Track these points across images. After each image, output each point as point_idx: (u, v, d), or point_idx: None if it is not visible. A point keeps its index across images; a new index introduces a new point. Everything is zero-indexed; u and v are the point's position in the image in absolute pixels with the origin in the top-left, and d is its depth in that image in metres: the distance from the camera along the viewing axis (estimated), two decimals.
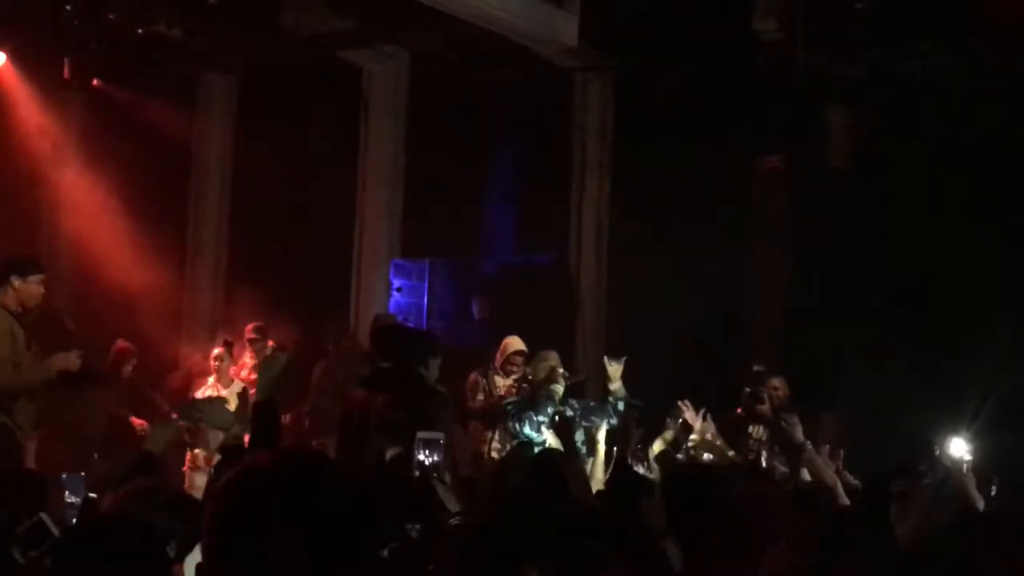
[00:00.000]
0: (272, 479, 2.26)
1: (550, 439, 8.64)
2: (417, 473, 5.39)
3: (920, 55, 11.54)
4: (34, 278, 8.16)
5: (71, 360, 7.96)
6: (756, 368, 10.39)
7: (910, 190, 12.02)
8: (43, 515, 4.39)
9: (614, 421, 8.80)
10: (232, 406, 10.68)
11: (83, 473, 4.77)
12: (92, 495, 4.69)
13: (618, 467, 6.90)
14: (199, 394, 10.73)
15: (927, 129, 11.81)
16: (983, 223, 11.60)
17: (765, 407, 9.59)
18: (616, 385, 9.05)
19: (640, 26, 11.96)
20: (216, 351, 10.94)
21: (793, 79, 11.68)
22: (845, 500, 7.33)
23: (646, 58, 12.31)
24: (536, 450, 8.12)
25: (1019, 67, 11.29)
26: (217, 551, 2.24)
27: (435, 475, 5.43)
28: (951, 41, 11.31)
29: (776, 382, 10.15)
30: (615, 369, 9.11)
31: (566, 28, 11.93)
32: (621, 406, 8.93)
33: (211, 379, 10.83)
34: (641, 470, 7.89)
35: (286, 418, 10.88)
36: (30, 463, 8.37)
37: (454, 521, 5.26)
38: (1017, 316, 11.08)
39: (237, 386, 10.88)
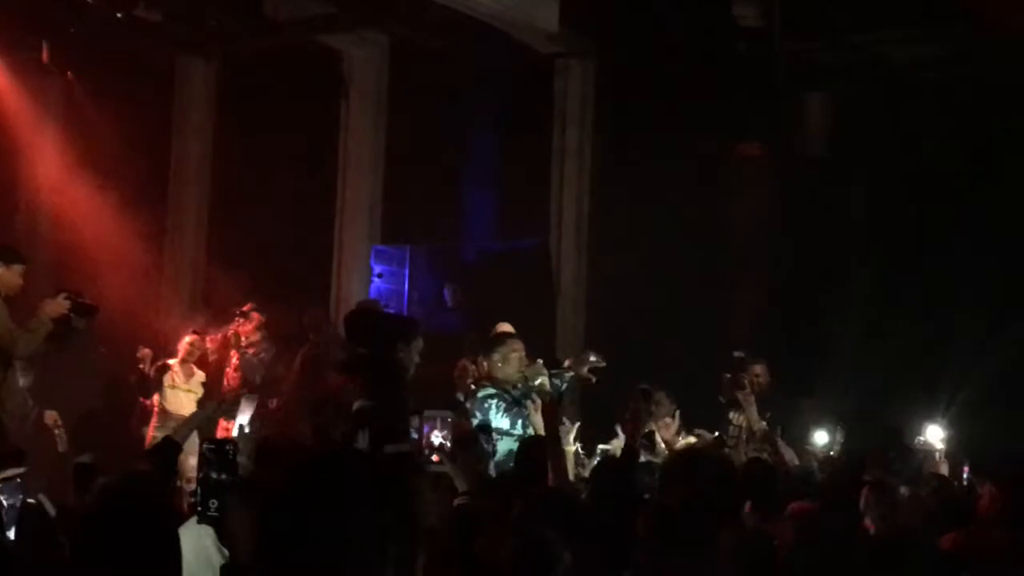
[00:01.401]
0: None
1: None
2: (427, 452, 5.38)
3: (900, 42, 11.56)
4: (17, 268, 8.32)
5: (60, 303, 8.11)
6: (737, 354, 10.41)
7: (889, 177, 12.05)
8: (42, 495, 4.43)
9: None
10: (193, 399, 10.75)
11: (19, 480, 4.73)
12: (31, 500, 4.66)
13: (626, 455, 6.81)
14: (166, 381, 10.81)
15: (907, 116, 11.83)
16: (963, 210, 11.63)
17: (746, 392, 9.62)
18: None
19: (621, 12, 11.96)
20: (185, 343, 10.98)
21: (772, 66, 11.70)
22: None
23: (626, 44, 12.30)
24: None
25: (1000, 54, 11.31)
26: None
27: (445, 453, 5.42)
28: (931, 28, 11.32)
29: (758, 368, 10.18)
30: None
31: (546, 14, 11.91)
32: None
33: (174, 361, 10.88)
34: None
35: (272, 403, 10.92)
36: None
37: (459, 500, 5.21)
38: (994, 304, 11.13)
39: (200, 376, 10.96)
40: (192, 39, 13.43)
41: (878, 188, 12.25)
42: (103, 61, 13.07)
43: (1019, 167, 11.35)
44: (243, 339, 11.54)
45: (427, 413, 5.53)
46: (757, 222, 12.66)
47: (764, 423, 9.39)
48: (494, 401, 8.48)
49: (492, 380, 8.28)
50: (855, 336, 11.88)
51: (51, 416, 9.72)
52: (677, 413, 9.10)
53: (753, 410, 9.45)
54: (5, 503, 4.56)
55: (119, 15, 11.98)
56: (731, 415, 9.87)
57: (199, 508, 3.76)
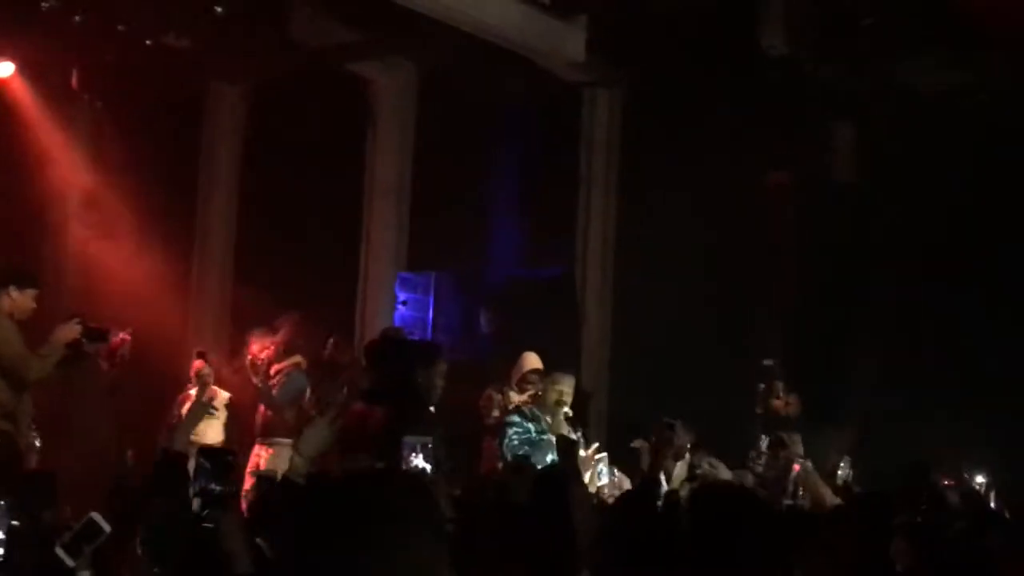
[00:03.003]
0: None
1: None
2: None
3: (926, 70, 11.51)
4: (30, 292, 8.32)
5: (72, 328, 8.12)
6: (767, 363, 10.39)
7: (916, 204, 11.98)
8: (94, 514, 4.40)
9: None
10: (221, 419, 10.69)
11: (2, 503, 4.69)
12: (15, 523, 4.62)
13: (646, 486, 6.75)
14: (184, 409, 10.71)
15: (933, 143, 11.77)
16: (989, 236, 11.57)
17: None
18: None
19: (648, 41, 11.95)
20: (197, 366, 10.89)
21: (800, 94, 11.66)
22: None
23: (654, 73, 12.30)
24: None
25: None
26: None
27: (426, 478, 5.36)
28: (957, 55, 11.28)
29: (790, 398, 10.16)
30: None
31: (573, 42, 11.90)
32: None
33: (193, 392, 10.82)
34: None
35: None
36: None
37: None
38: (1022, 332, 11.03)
39: (222, 398, 10.89)
40: (220, 66, 13.50)
41: (905, 215, 12.18)
42: (132, 87, 13.14)
43: None
44: (260, 364, 11.38)
45: (407, 439, 5.47)
46: (784, 250, 12.61)
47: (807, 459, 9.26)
48: (510, 431, 8.63)
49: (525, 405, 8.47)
50: (885, 361, 11.82)
51: None
52: (689, 445, 9.06)
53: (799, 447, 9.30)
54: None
55: (148, 42, 12.07)
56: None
57: (196, 518, 3.71)
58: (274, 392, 10.94)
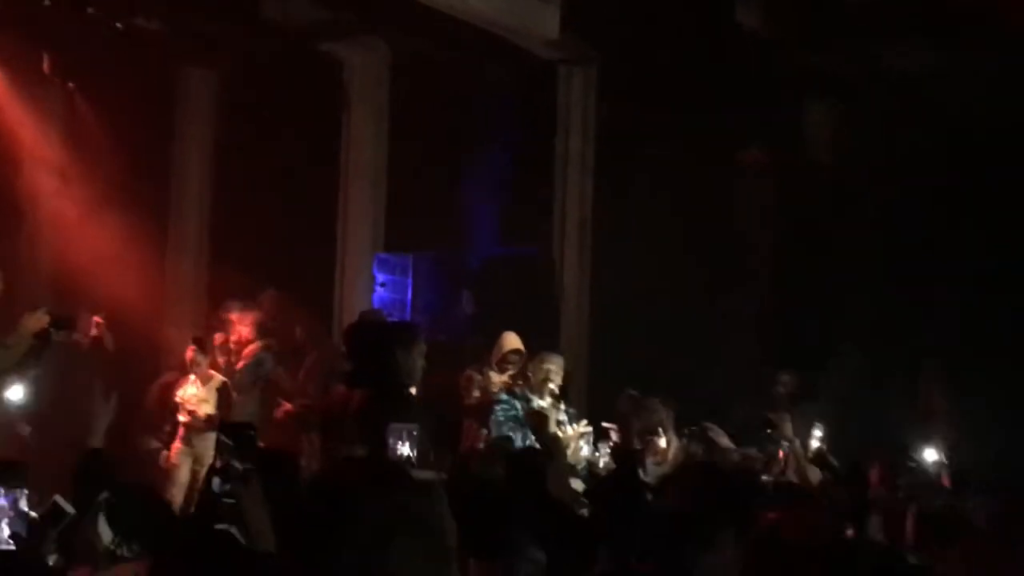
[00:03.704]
0: None
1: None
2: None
3: (903, 50, 11.52)
4: None
5: (39, 318, 8.00)
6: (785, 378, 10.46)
7: (893, 187, 12.01)
8: (57, 497, 4.35)
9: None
10: (212, 404, 10.66)
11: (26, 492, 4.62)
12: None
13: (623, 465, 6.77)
14: (181, 394, 10.68)
15: (911, 125, 11.80)
16: (967, 221, 11.60)
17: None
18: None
19: (623, 18, 11.92)
20: (189, 353, 10.84)
21: (775, 73, 11.66)
22: None
23: (629, 50, 12.26)
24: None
25: (1008, 64, 11.26)
26: None
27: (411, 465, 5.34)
28: (935, 37, 11.29)
29: (785, 377, 10.27)
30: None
31: (548, 20, 11.87)
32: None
33: (192, 378, 10.77)
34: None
35: (278, 412, 10.86)
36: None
37: None
38: (1000, 313, 11.08)
39: (216, 381, 10.84)
40: (192, 48, 13.39)
41: (881, 195, 12.21)
42: (104, 70, 13.02)
43: None
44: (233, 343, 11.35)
45: (393, 425, 5.43)
46: (760, 229, 12.63)
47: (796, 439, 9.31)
48: (497, 408, 8.69)
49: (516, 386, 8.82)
50: (862, 343, 11.86)
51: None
52: (671, 417, 9.08)
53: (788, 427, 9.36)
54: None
55: (119, 25, 11.96)
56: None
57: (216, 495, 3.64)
58: (236, 375, 10.96)
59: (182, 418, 10.64)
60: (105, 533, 4.23)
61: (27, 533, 4.24)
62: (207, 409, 10.62)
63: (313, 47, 13.00)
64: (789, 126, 12.61)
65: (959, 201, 11.60)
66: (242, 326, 11.44)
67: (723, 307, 12.46)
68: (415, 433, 5.32)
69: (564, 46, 12.45)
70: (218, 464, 3.70)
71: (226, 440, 3.71)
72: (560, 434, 8.72)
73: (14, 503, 4.26)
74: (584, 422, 9.02)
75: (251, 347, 11.44)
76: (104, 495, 4.42)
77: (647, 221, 12.07)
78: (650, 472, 8.12)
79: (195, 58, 13.86)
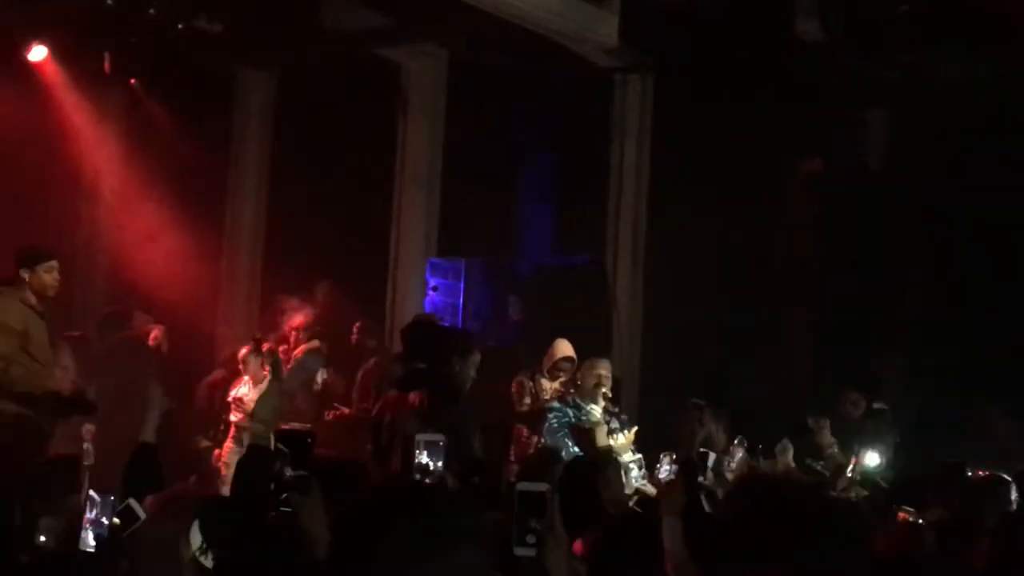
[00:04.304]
0: None
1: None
2: (417, 476, 5.26)
3: (959, 60, 11.41)
4: (43, 266, 8.14)
5: (63, 386, 8.20)
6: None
7: (946, 194, 11.91)
8: (131, 500, 4.34)
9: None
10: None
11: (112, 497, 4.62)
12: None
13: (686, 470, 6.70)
14: (234, 394, 10.70)
15: (964, 134, 11.69)
16: (1019, 229, 11.49)
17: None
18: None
19: (680, 27, 11.88)
20: (243, 351, 10.86)
21: (834, 82, 11.58)
22: None
23: (686, 59, 12.22)
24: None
25: None
26: None
27: (437, 478, 5.32)
28: (990, 47, 11.18)
29: (854, 395, 10.22)
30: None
31: (606, 27, 11.87)
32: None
33: (245, 378, 10.79)
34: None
35: (330, 415, 10.89)
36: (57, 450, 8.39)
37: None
38: None
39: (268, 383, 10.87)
40: (251, 50, 13.49)
41: (935, 205, 12.12)
42: (164, 71, 13.15)
43: None
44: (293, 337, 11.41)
45: (419, 436, 5.42)
46: (816, 237, 12.56)
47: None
48: (551, 415, 8.68)
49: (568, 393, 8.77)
50: (915, 352, 11.77)
51: (88, 430, 9.57)
52: (722, 428, 9.05)
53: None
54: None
55: (180, 26, 12.06)
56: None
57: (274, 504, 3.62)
58: (283, 377, 10.99)
59: (234, 417, 10.65)
60: (195, 540, 4.20)
61: (109, 538, 4.26)
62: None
63: (371, 52, 13.05)
64: (845, 134, 12.53)
65: (1016, 209, 11.48)
66: (299, 316, 11.53)
67: (778, 313, 12.39)
68: (440, 444, 5.30)
69: (621, 54, 12.44)
70: (275, 472, 3.68)
71: (283, 448, 3.69)
72: (612, 442, 8.69)
73: (101, 507, 4.28)
74: (635, 429, 8.98)
75: (300, 348, 11.49)
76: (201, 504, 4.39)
77: (700, 229, 12.02)
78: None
79: (254, 61, 13.97)
